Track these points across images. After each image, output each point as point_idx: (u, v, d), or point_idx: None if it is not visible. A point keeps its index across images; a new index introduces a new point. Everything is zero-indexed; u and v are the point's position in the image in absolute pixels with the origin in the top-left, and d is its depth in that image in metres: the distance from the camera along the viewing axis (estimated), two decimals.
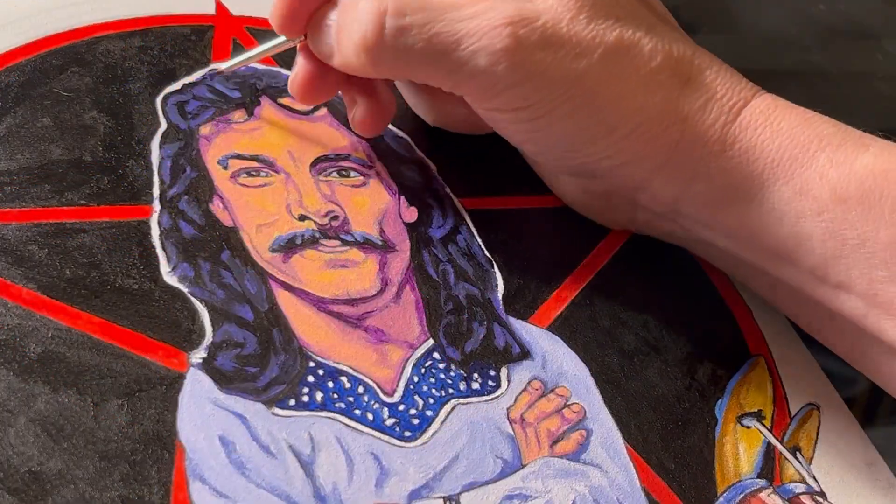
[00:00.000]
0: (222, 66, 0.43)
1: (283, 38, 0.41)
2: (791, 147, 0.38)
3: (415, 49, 0.37)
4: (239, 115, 0.43)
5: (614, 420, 0.39)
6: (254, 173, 0.41)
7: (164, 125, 0.42)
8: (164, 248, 0.38)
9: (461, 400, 0.37)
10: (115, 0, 0.46)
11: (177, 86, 0.43)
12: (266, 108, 0.44)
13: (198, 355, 0.35)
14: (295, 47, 0.41)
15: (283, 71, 0.45)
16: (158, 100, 0.43)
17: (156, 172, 0.40)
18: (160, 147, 0.41)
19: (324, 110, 0.45)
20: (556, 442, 0.38)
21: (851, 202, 0.37)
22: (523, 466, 0.37)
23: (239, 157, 0.41)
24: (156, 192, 0.39)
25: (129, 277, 0.36)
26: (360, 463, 0.34)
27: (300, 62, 0.41)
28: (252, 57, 0.43)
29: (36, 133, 0.40)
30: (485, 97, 0.39)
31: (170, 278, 0.37)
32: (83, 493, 0.31)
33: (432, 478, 0.35)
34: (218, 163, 0.41)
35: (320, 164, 0.42)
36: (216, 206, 0.40)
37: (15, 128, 0.39)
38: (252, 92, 0.44)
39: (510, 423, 0.38)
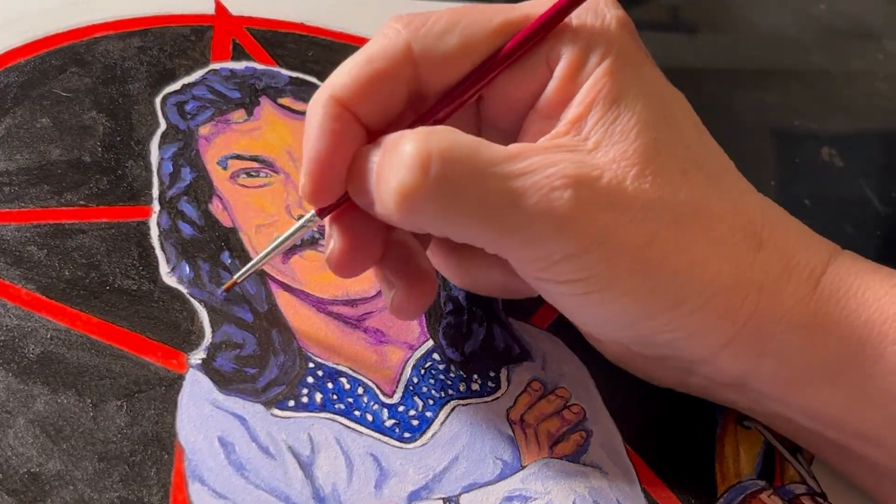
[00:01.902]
0: (235, 278, 0.37)
1: (301, 222, 0.35)
2: (879, 322, 0.35)
3: (460, 204, 0.32)
4: (238, 115, 0.43)
5: (614, 421, 0.39)
6: (253, 174, 0.41)
7: (163, 125, 0.42)
8: (163, 249, 0.38)
9: (461, 401, 0.37)
10: (113, 0, 0.46)
11: (176, 86, 0.43)
12: (265, 108, 0.44)
13: (197, 356, 0.35)
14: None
15: (283, 71, 0.45)
16: (158, 100, 0.43)
17: (155, 173, 0.40)
18: (159, 147, 0.41)
19: None
20: (556, 443, 0.38)
21: None
22: (523, 467, 0.36)
23: (238, 157, 0.41)
24: (155, 192, 0.39)
25: (128, 278, 0.36)
26: (359, 464, 0.34)
27: (334, 236, 0.35)
28: (265, 259, 0.36)
29: (35, 133, 0.40)
30: (537, 266, 0.34)
31: (169, 279, 0.37)
32: (82, 495, 0.31)
33: (432, 479, 0.35)
34: (217, 163, 0.41)
35: None
36: (215, 207, 0.40)
37: (14, 128, 0.40)
38: (251, 92, 0.44)
39: (510, 424, 0.38)
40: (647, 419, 0.40)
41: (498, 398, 0.38)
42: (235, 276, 0.37)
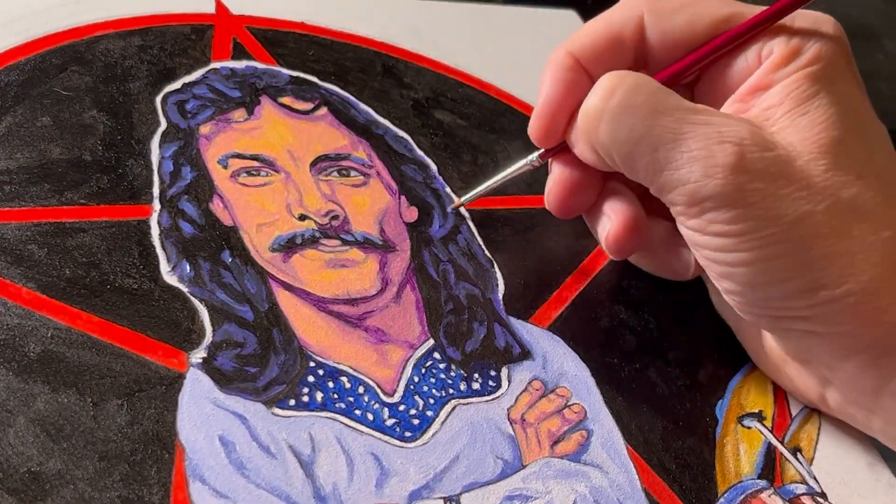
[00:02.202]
0: (463, 198, 0.43)
1: (525, 161, 0.41)
2: None
3: (633, 131, 0.35)
4: (239, 114, 0.43)
5: (615, 420, 0.39)
6: (254, 172, 0.41)
7: (163, 124, 0.42)
8: (163, 248, 0.38)
9: (461, 400, 0.37)
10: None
11: (177, 85, 0.43)
12: (266, 107, 0.44)
13: (197, 355, 0.35)
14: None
15: (283, 70, 0.45)
16: (158, 99, 0.43)
17: (155, 172, 0.40)
18: (160, 146, 0.41)
19: (324, 109, 0.45)
20: (556, 442, 0.38)
21: None
22: (524, 467, 0.37)
23: (239, 156, 0.41)
24: (155, 191, 0.39)
25: (128, 277, 0.36)
26: (360, 463, 0.34)
27: (555, 173, 0.41)
28: (496, 181, 0.42)
29: (35, 132, 0.40)
30: (689, 211, 0.36)
31: (169, 278, 0.37)
32: (83, 494, 0.31)
33: (432, 478, 0.35)
34: (218, 162, 0.41)
35: (320, 163, 0.42)
36: (216, 206, 0.40)
37: (14, 127, 0.39)
38: (252, 91, 0.44)
39: (511, 423, 0.38)
40: (647, 419, 0.40)
41: (498, 397, 0.38)
42: (463, 199, 0.43)
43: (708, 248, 0.37)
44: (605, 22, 0.39)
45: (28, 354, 0.33)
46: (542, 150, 0.41)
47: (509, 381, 0.39)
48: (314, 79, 0.46)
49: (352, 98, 0.46)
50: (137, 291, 0.36)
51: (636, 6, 0.38)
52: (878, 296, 0.35)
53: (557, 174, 0.40)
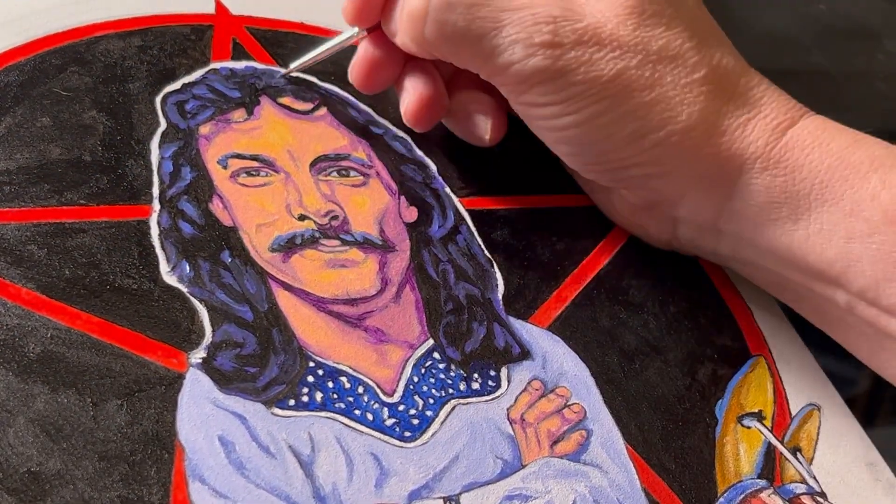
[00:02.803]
0: (292, 65, 0.45)
1: (347, 34, 0.43)
2: (841, 168, 0.38)
3: (457, 27, 0.38)
4: (239, 114, 0.43)
5: (614, 420, 0.39)
6: (253, 173, 0.41)
7: (163, 125, 0.42)
8: (163, 248, 0.38)
9: (461, 400, 0.38)
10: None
11: (176, 85, 0.43)
12: (266, 107, 0.44)
13: (197, 355, 0.35)
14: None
15: (283, 71, 0.45)
16: (158, 99, 0.43)
17: (155, 172, 0.40)
18: (160, 146, 0.41)
19: (324, 110, 0.45)
20: (556, 442, 0.38)
21: None
22: (523, 467, 0.37)
23: (239, 156, 0.41)
24: (155, 191, 0.39)
25: (128, 277, 0.36)
26: (359, 463, 0.35)
27: (362, 50, 0.43)
28: (319, 54, 0.44)
29: (35, 133, 0.40)
30: (517, 89, 0.40)
31: (169, 278, 0.37)
32: (82, 494, 0.31)
33: (432, 478, 0.35)
34: (217, 162, 0.41)
35: (320, 163, 0.42)
36: (216, 206, 0.40)
37: (14, 127, 0.40)
38: (252, 91, 0.44)
39: (510, 423, 0.38)
40: (647, 418, 0.40)
41: (498, 397, 0.38)
42: (292, 66, 0.44)
43: (540, 118, 0.40)
44: None
45: (28, 354, 0.33)
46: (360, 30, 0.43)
47: (509, 381, 0.39)
48: (314, 79, 0.46)
49: (351, 98, 0.46)
50: (137, 291, 0.36)
51: None
52: (695, 131, 0.39)
53: (364, 52, 0.43)
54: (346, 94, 0.46)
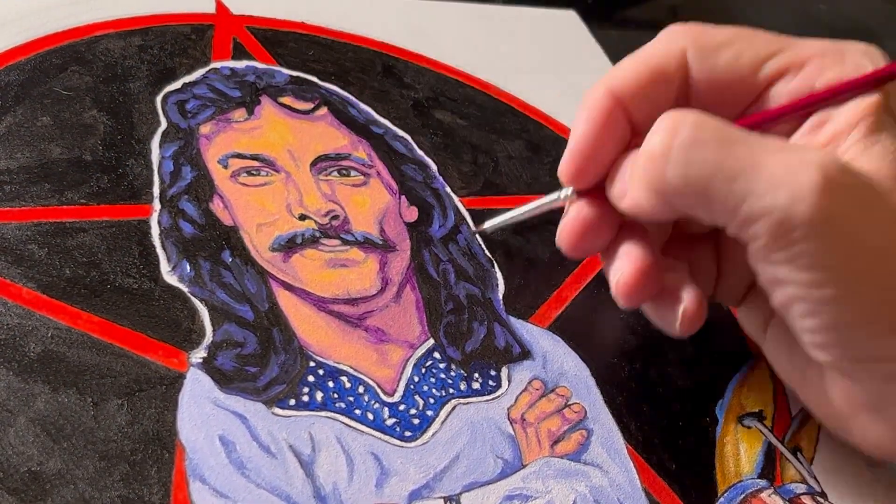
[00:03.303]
0: (487, 224, 0.40)
1: (556, 195, 0.38)
2: None
3: (706, 165, 0.32)
4: (239, 114, 0.43)
5: (615, 420, 0.39)
6: (254, 172, 0.41)
7: (164, 124, 0.42)
8: (164, 248, 0.38)
9: (462, 400, 0.37)
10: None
11: (177, 85, 0.43)
12: (266, 107, 0.44)
13: (198, 355, 0.35)
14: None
15: (283, 70, 0.45)
16: (158, 99, 0.43)
17: (156, 171, 0.40)
18: (160, 146, 0.41)
19: (324, 109, 0.45)
20: (556, 442, 0.38)
21: None
22: (524, 466, 0.37)
23: (239, 156, 0.41)
24: (156, 191, 0.39)
25: (128, 277, 0.36)
26: (360, 463, 0.35)
27: (574, 212, 0.37)
28: (520, 215, 0.39)
29: (35, 132, 0.40)
30: (776, 242, 0.32)
31: (170, 278, 0.37)
32: (83, 493, 0.31)
33: (433, 478, 0.35)
34: (218, 162, 0.41)
35: (320, 163, 0.42)
36: (216, 206, 0.40)
37: (15, 127, 0.39)
38: (252, 91, 0.44)
39: (511, 423, 0.38)
40: (647, 418, 0.40)
41: (499, 397, 0.38)
42: (486, 225, 0.40)
43: (796, 283, 0.33)
44: (646, 57, 0.36)
45: (28, 354, 0.33)
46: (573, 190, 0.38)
47: (509, 381, 0.39)
48: (314, 79, 0.46)
49: (352, 98, 0.46)
50: (137, 291, 0.36)
51: (678, 40, 0.36)
52: None
53: (576, 213, 0.37)
54: (346, 94, 0.46)
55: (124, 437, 0.33)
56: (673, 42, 0.36)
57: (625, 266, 0.37)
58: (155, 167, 0.40)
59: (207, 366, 0.35)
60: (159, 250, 0.38)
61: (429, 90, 0.49)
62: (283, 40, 0.48)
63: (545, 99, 0.52)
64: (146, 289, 0.36)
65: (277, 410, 0.35)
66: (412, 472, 0.35)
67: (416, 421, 0.36)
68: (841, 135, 0.34)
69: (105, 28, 0.44)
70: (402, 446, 0.36)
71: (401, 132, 0.46)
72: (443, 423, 0.37)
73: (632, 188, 0.35)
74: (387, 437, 0.36)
